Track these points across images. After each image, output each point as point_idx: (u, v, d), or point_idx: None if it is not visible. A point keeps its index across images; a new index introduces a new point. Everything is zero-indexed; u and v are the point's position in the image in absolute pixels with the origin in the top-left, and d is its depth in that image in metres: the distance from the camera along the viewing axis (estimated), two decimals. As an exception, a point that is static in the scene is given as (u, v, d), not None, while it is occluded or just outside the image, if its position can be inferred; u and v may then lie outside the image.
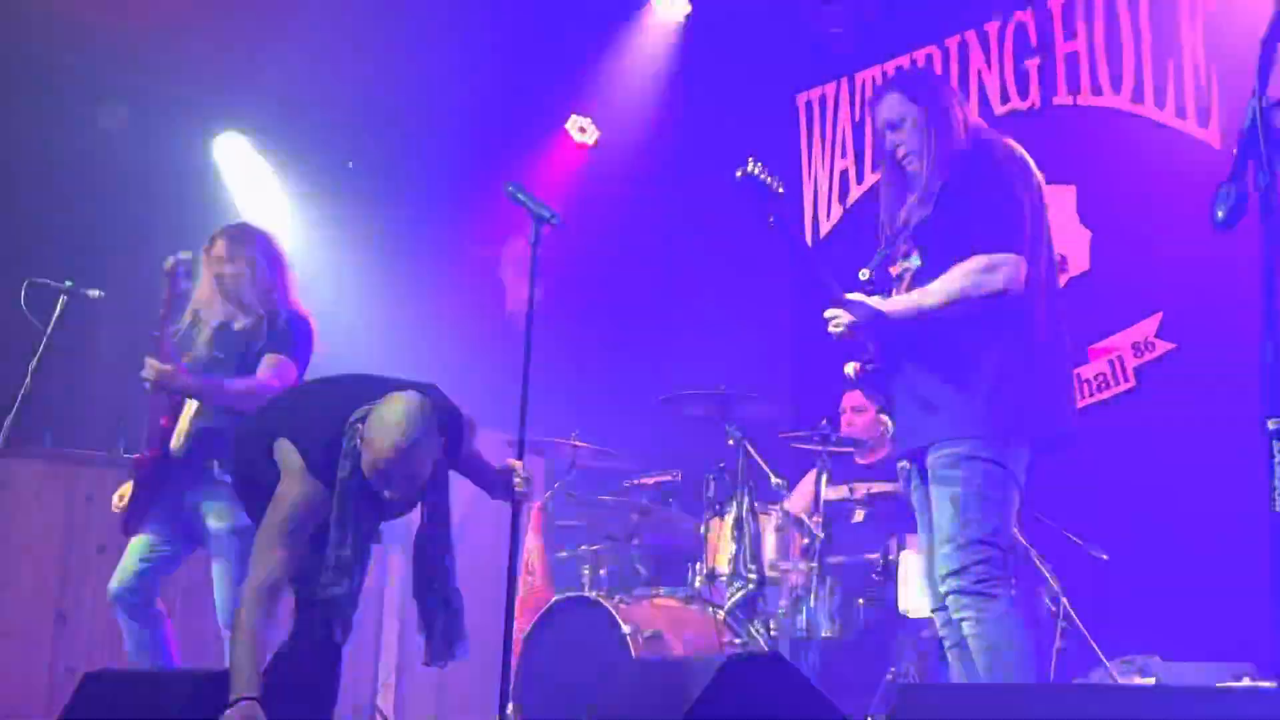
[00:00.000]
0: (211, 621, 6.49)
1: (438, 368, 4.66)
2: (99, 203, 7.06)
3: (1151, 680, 4.68)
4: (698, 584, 5.32)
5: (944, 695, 2.95)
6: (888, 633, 5.16)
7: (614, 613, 4.94)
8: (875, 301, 3.62)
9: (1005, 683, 3.38)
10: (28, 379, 4.70)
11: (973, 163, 3.56)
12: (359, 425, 3.49)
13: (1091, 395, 5.69)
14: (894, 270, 3.73)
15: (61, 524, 5.88)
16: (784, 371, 7.18)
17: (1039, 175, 3.66)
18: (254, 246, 4.73)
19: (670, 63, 7.59)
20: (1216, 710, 2.21)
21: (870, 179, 6.93)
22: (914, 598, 4.98)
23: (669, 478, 6.07)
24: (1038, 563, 4.70)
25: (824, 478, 5.38)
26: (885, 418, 3.77)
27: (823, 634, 5.16)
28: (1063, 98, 6.11)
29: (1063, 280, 5.23)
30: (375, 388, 3.61)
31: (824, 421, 5.50)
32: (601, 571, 5.72)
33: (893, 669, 5.04)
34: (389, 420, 3.44)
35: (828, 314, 3.66)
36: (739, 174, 3.78)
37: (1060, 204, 5.76)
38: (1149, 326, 5.63)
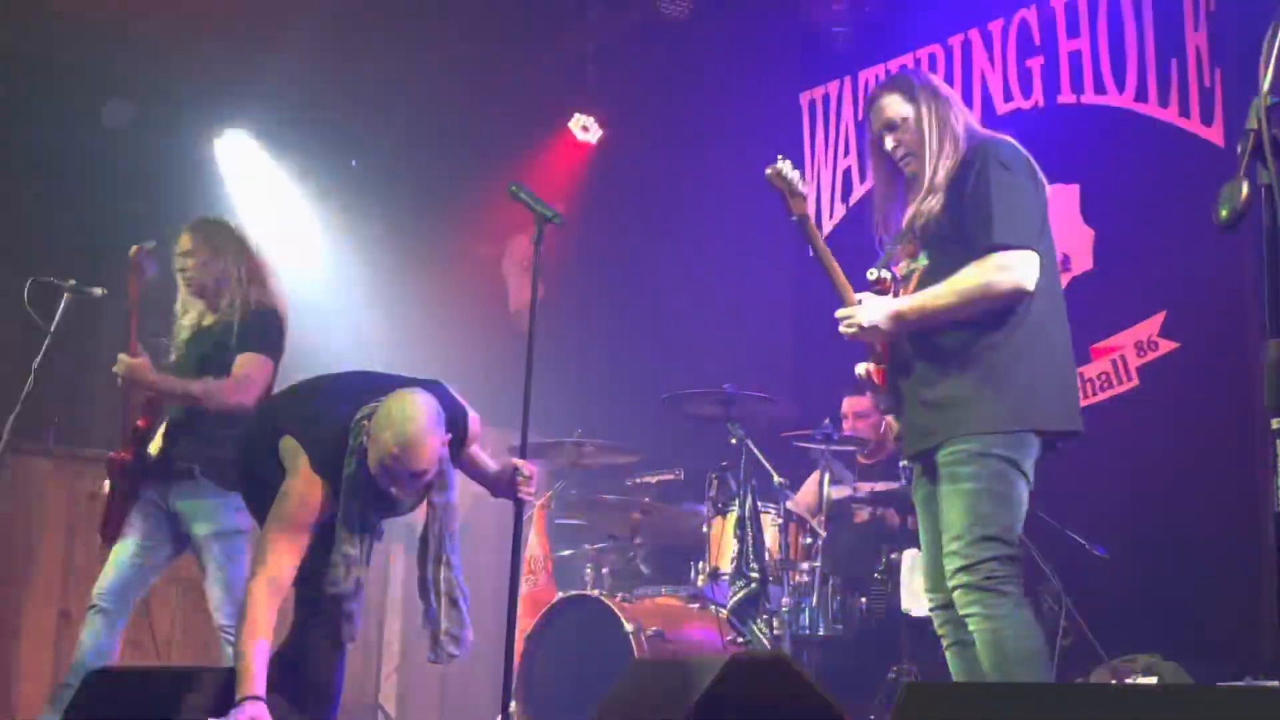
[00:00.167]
0: (211, 619, 6.51)
1: (440, 366, 4.67)
2: (103, 201, 7.08)
3: (1153, 679, 4.68)
4: (700, 583, 5.33)
5: (946, 694, 2.95)
6: (890, 631, 5.16)
7: (616, 611, 4.95)
8: (887, 301, 3.61)
9: (1007, 682, 3.38)
10: (31, 377, 4.70)
11: (981, 162, 3.55)
12: (365, 423, 3.49)
13: (1094, 394, 5.68)
14: (899, 270, 3.71)
15: (65, 522, 5.89)
16: (787, 371, 7.18)
17: (1041, 175, 3.67)
18: (217, 240, 4.70)
19: (674, 61, 7.59)
20: (1218, 710, 2.20)
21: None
22: (916, 596, 4.98)
23: (672, 477, 6.07)
24: (1039, 561, 4.70)
25: (827, 477, 5.39)
26: (891, 419, 3.76)
27: (825, 633, 5.16)
28: (1066, 97, 6.11)
29: (1065, 280, 5.23)
30: (381, 385, 3.62)
31: (826, 421, 5.50)
32: (604, 570, 5.73)
33: (895, 668, 5.04)
34: (396, 418, 3.44)
35: (840, 314, 3.64)
36: (769, 171, 3.74)
37: (1063, 203, 5.76)
38: (1152, 326, 5.63)
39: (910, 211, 3.63)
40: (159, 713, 3.50)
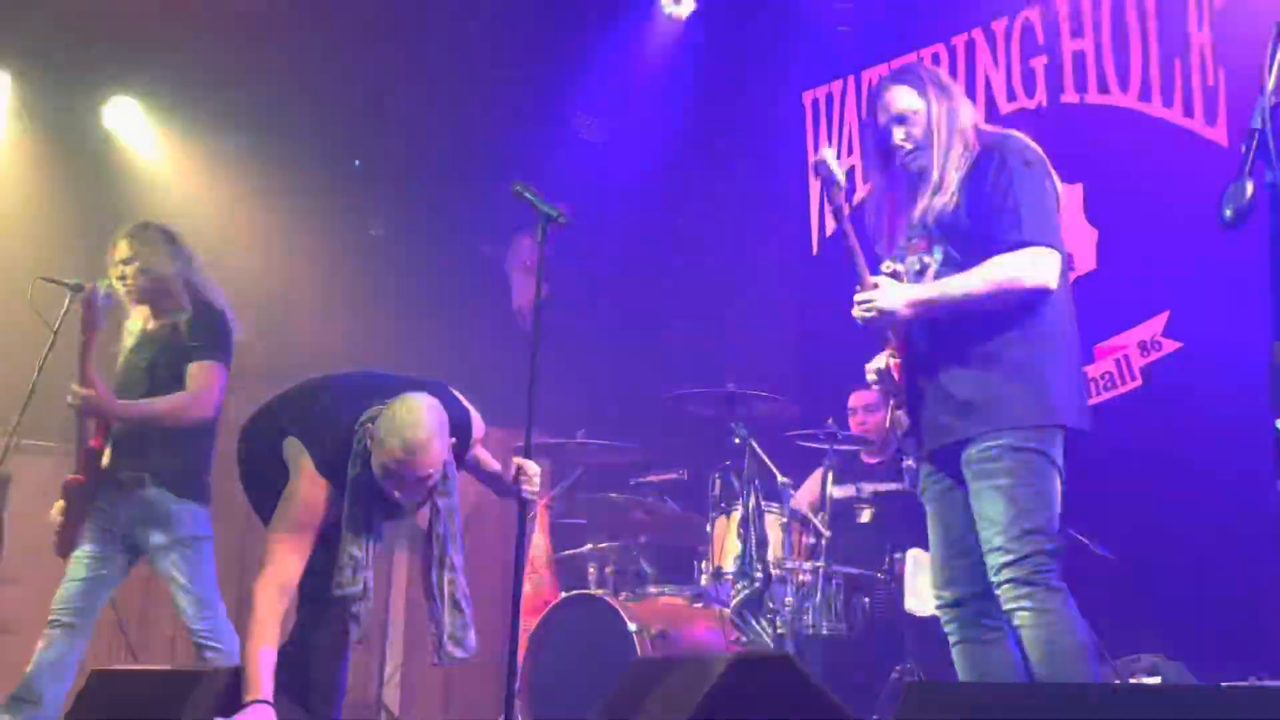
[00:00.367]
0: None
1: (444, 366, 4.68)
2: (106, 201, 7.08)
3: (1157, 680, 4.68)
4: (704, 582, 5.33)
5: (950, 694, 2.95)
6: (893, 631, 5.16)
7: (620, 611, 4.95)
8: (907, 287, 3.57)
9: (1010, 682, 3.38)
10: (35, 376, 4.70)
11: (1002, 158, 3.52)
12: (369, 425, 3.49)
13: (1098, 394, 5.67)
14: (912, 266, 3.66)
15: (68, 521, 5.88)
16: (790, 370, 7.18)
17: (1055, 173, 3.66)
18: (157, 243, 4.68)
19: (677, 60, 7.59)
20: (1222, 710, 2.20)
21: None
22: (919, 596, 4.98)
23: (675, 476, 6.07)
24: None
25: (830, 476, 5.39)
26: (900, 414, 3.66)
27: (828, 632, 5.16)
28: (1070, 96, 6.10)
29: (1069, 279, 5.22)
30: (386, 386, 3.62)
31: (830, 420, 5.50)
32: (607, 570, 5.72)
33: (898, 667, 5.04)
34: (400, 422, 3.44)
35: (859, 298, 3.57)
36: (815, 160, 3.68)
37: (1067, 202, 5.74)
38: (1156, 325, 5.63)
39: (921, 206, 3.58)
40: (162, 713, 3.50)
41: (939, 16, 6.64)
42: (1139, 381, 5.66)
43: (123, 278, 4.64)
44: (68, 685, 4.48)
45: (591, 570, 5.76)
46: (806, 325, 7.26)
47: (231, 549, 6.57)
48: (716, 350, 7.22)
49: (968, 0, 6.57)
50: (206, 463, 4.65)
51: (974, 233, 3.49)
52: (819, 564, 5.19)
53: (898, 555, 5.22)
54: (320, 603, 3.63)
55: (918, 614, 5.03)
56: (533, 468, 3.84)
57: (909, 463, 5.33)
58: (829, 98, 7.28)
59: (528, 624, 5.16)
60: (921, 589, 4.98)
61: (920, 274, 3.60)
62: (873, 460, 5.87)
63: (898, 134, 3.63)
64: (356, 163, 8.00)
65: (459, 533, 3.70)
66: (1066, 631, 3.30)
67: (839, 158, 7.17)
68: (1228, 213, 2.59)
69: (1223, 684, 4.10)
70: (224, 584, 6.56)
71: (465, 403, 3.76)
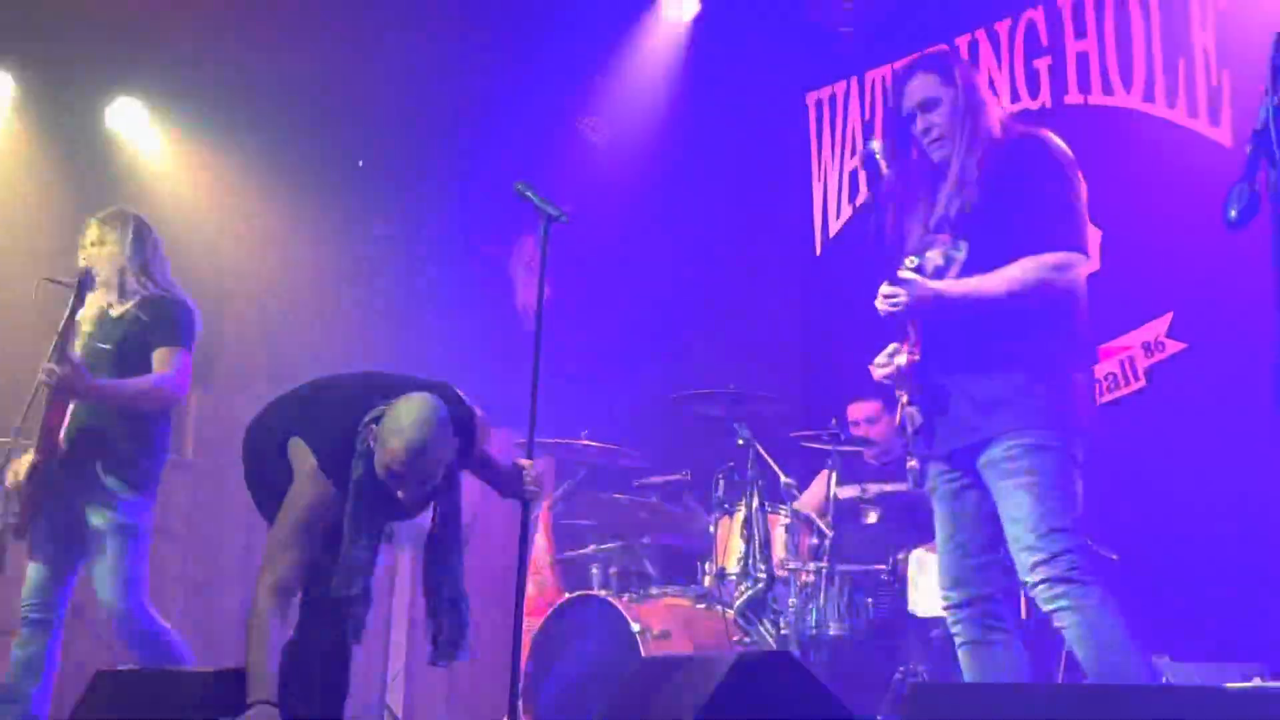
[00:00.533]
0: (218, 620, 6.53)
1: (448, 366, 4.67)
2: (109, 201, 7.07)
3: (1162, 680, 4.67)
4: (707, 583, 5.33)
5: (955, 695, 2.95)
6: (897, 632, 5.16)
7: (624, 612, 4.94)
8: (937, 284, 3.48)
9: (1015, 683, 3.37)
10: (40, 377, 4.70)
11: (1033, 156, 3.47)
12: (373, 426, 3.49)
13: (1102, 395, 5.67)
14: (936, 260, 3.56)
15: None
16: (794, 371, 7.18)
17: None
18: (125, 230, 4.69)
19: (680, 62, 7.58)
20: (1227, 711, 2.20)
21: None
22: (924, 597, 4.98)
23: (679, 477, 6.07)
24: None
25: (834, 477, 5.38)
26: (914, 410, 3.59)
27: (832, 633, 5.16)
28: (1073, 97, 6.10)
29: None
30: (390, 386, 3.61)
31: (834, 421, 5.50)
32: (611, 571, 5.72)
33: (902, 668, 5.03)
34: (404, 422, 3.43)
35: (885, 290, 3.50)
36: (863, 151, 3.62)
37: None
38: (1160, 326, 5.62)
39: (943, 199, 3.52)
40: (168, 713, 3.50)
41: (942, 17, 6.65)
42: (1143, 382, 5.65)
43: (89, 261, 4.64)
44: (51, 678, 4.50)
45: (595, 571, 5.76)
46: (810, 326, 7.27)
47: (236, 550, 6.60)
48: (720, 351, 7.22)
49: (971, 1, 6.57)
50: (161, 457, 4.67)
51: (1000, 230, 3.44)
52: (822, 564, 5.19)
53: (901, 556, 5.21)
54: (323, 603, 3.62)
55: (921, 615, 5.02)
56: (535, 466, 3.84)
57: (913, 463, 5.33)
58: (832, 99, 7.29)
59: (531, 625, 5.15)
60: (926, 589, 4.98)
61: (943, 269, 3.52)
62: (877, 462, 5.86)
63: (921, 122, 3.57)
64: (360, 163, 8.00)
65: (460, 533, 3.70)
66: (1110, 626, 3.26)
67: (841, 159, 7.24)
68: (1232, 213, 2.59)
69: (1227, 685, 4.10)
70: (228, 585, 6.61)
71: (470, 402, 3.76)
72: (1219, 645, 4.91)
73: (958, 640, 3.55)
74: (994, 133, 3.52)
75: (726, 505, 5.35)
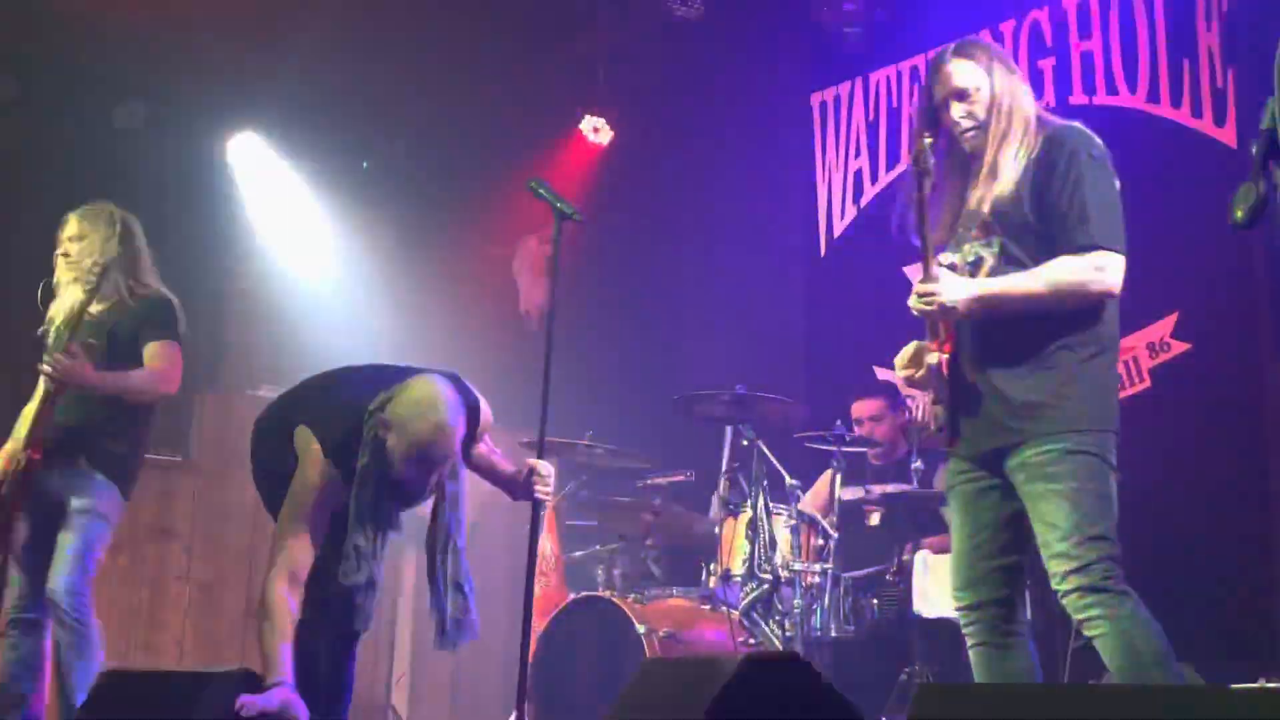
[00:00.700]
0: (223, 621, 6.54)
1: (452, 367, 4.67)
2: (116, 203, 7.09)
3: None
4: (712, 584, 5.32)
5: (961, 695, 2.95)
6: (902, 633, 5.16)
7: (628, 613, 4.95)
8: (969, 281, 3.37)
9: (1020, 683, 3.36)
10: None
11: (1072, 152, 3.37)
12: (380, 414, 3.49)
13: (1106, 395, 5.66)
14: (966, 256, 3.46)
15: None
16: (798, 372, 7.18)
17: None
18: (112, 227, 4.67)
19: (685, 62, 7.58)
20: (1232, 712, 2.20)
21: (885, 179, 6.93)
22: (928, 598, 4.98)
23: (683, 478, 6.07)
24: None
25: (838, 478, 5.38)
26: (939, 408, 3.48)
27: (836, 634, 5.16)
28: (1078, 97, 6.10)
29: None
30: (397, 377, 3.61)
31: (838, 422, 5.50)
32: (615, 572, 5.73)
33: (907, 669, 5.03)
34: (424, 404, 3.44)
35: (920, 288, 3.36)
36: (916, 150, 3.42)
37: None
38: (1164, 327, 5.62)
39: (977, 194, 3.40)
40: (173, 713, 3.50)
41: (947, 18, 6.64)
42: (1147, 383, 5.65)
43: (67, 254, 4.64)
44: (45, 676, 4.50)
45: (599, 572, 5.77)
46: (814, 327, 7.27)
47: (240, 552, 6.61)
48: (724, 352, 7.22)
49: (976, 1, 6.57)
50: (141, 456, 4.69)
51: (1036, 228, 3.35)
52: (827, 566, 5.19)
53: (906, 557, 5.21)
54: (327, 602, 3.62)
55: (926, 616, 5.02)
56: (547, 469, 3.83)
57: (917, 464, 5.33)
58: (837, 99, 7.29)
59: (536, 625, 5.16)
60: (930, 591, 4.97)
61: (975, 266, 3.42)
62: (881, 463, 5.86)
63: (956, 110, 3.45)
64: (364, 165, 8.01)
65: (463, 518, 3.69)
66: (1143, 638, 3.19)
67: (845, 160, 7.24)
68: (1238, 214, 2.59)
69: (1232, 686, 4.10)
70: (232, 586, 6.62)
71: (475, 391, 3.76)
72: (1223, 646, 4.90)
73: (969, 642, 3.48)
74: (1030, 123, 3.42)
75: (731, 506, 5.35)
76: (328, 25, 6.91)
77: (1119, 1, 5.98)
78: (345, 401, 3.59)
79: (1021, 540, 3.41)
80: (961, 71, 3.44)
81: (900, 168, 6.89)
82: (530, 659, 4.95)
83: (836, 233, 7.19)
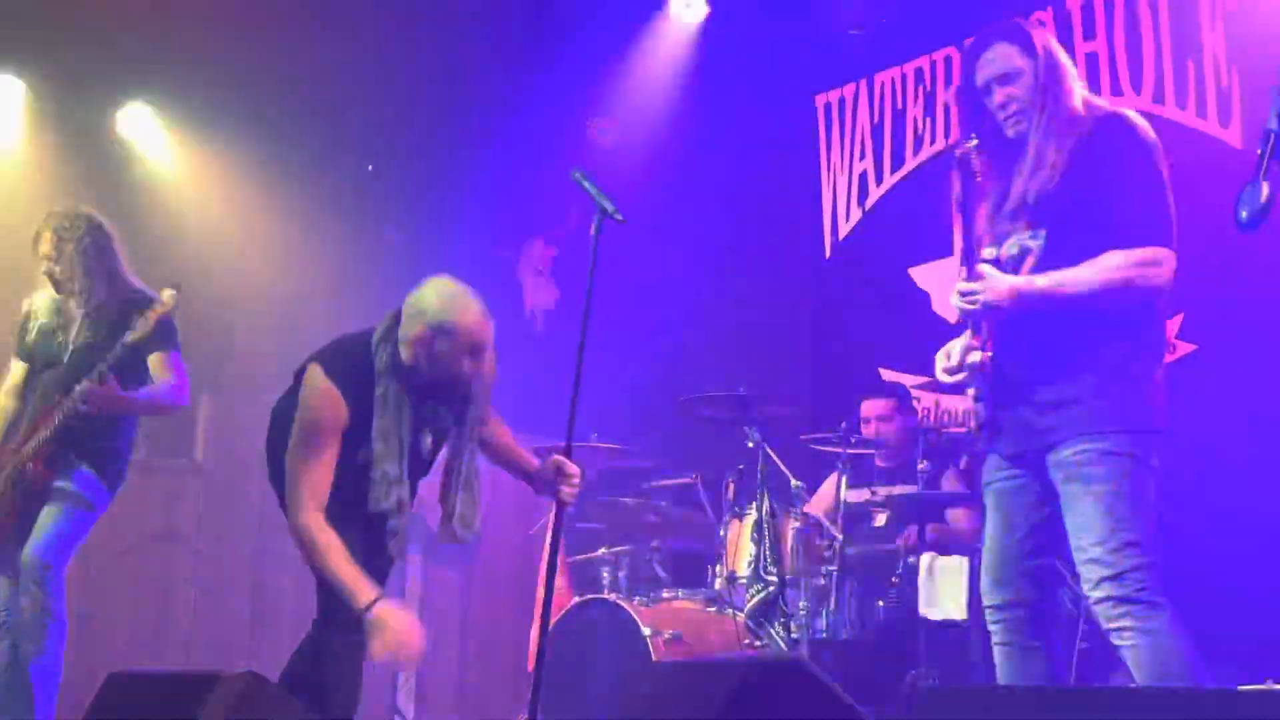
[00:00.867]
0: (229, 621, 6.54)
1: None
2: (119, 207, 7.09)
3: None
4: (718, 586, 5.33)
5: (965, 697, 2.94)
6: (907, 636, 5.15)
7: (634, 615, 4.95)
8: (1012, 278, 3.27)
9: (1025, 684, 3.35)
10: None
11: (1121, 141, 3.25)
12: (390, 334, 3.52)
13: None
14: (1010, 249, 3.36)
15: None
16: (803, 373, 7.18)
17: None
18: (82, 233, 4.63)
19: (689, 65, 7.59)
20: (1239, 713, 2.20)
21: (890, 181, 6.93)
22: (933, 601, 4.97)
23: (688, 480, 6.07)
24: (1057, 565, 4.68)
25: (844, 480, 5.38)
26: (980, 406, 3.38)
27: (842, 636, 5.16)
28: (1082, 98, 6.09)
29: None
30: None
31: (843, 424, 5.49)
32: (621, 574, 5.73)
33: (912, 671, 5.03)
34: (442, 293, 3.56)
35: (961, 287, 3.29)
36: (962, 150, 3.38)
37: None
38: (1170, 328, 5.61)
39: (1020, 183, 3.30)
40: (180, 714, 3.50)
41: (951, 19, 6.64)
42: (1153, 384, 5.64)
43: (48, 272, 4.63)
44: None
45: (605, 574, 5.76)
46: (819, 328, 7.27)
47: (245, 554, 6.62)
48: (729, 353, 7.22)
49: (981, 2, 6.56)
50: (129, 455, 4.71)
51: (1082, 219, 3.23)
52: (833, 568, 5.19)
53: (911, 559, 5.21)
54: (335, 602, 3.61)
55: (932, 618, 5.01)
56: (575, 469, 3.81)
57: (923, 465, 5.33)
58: (841, 101, 7.28)
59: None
60: (935, 593, 4.97)
61: (1019, 259, 3.32)
62: (887, 465, 5.86)
63: (998, 95, 3.34)
64: (369, 166, 8.01)
65: (475, 432, 3.71)
66: (1174, 652, 3.11)
67: (850, 161, 7.24)
68: (1243, 214, 2.59)
69: (1239, 687, 4.09)
70: (237, 588, 6.62)
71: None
72: (1229, 647, 4.88)
73: (995, 640, 3.42)
74: (1077, 110, 3.29)
75: (736, 508, 5.35)
76: (332, 27, 6.91)
77: (1123, 2, 5.98)
78: (348, 342, 3.63)
79: (1055, 541, 3.34)
80: (1004, 56, 3.34)
81: (904, 170, 6.89)
82: (535, 660, 4.96)
83: (842, 234, 7.18)
